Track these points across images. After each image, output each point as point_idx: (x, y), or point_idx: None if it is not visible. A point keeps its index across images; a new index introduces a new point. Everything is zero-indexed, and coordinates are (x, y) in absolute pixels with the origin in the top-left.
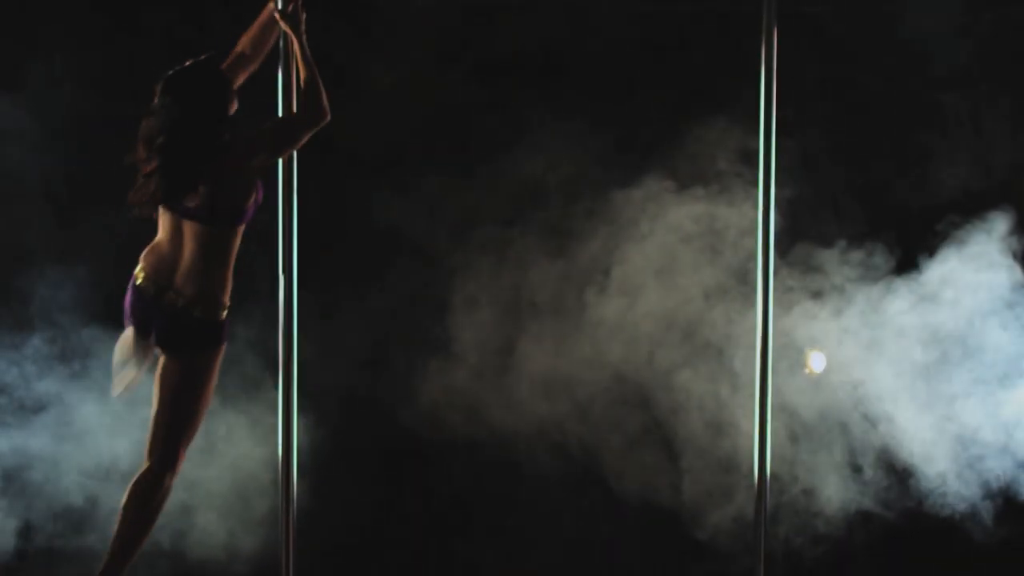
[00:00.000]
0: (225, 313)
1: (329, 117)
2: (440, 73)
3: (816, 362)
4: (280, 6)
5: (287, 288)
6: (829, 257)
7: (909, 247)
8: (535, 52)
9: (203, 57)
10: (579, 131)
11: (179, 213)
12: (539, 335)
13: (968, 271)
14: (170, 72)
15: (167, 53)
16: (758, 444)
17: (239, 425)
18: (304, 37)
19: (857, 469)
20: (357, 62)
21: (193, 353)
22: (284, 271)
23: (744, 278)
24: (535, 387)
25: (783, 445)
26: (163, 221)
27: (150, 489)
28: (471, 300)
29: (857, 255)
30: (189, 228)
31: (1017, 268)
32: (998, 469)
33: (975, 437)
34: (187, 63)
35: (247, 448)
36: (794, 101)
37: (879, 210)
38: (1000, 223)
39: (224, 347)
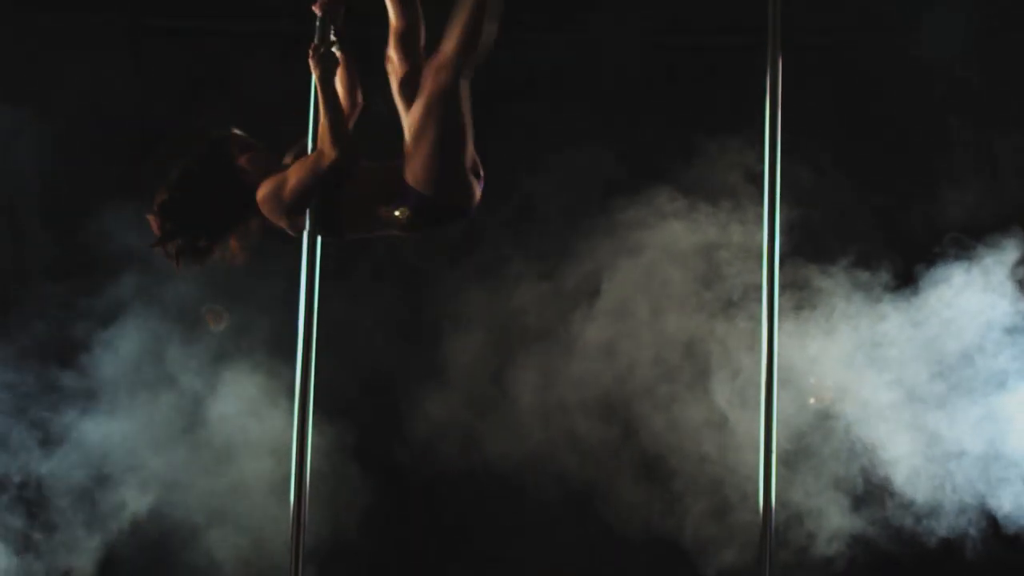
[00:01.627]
0: None
1: (341, 157)
2: None
3: (821, 391)
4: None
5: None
6: (831, 279)
7: (912, 271)
8: (542, 77)
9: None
10: (586, 154)
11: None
12: (530, 360)
13: (971, 295)
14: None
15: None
16: (763, 471)
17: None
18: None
19: (852, 494)
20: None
21: None
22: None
23: (751, 299)
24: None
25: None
26: None
27: None
28: (466, 323)
29: (859, 277)
30: None
31: (1019, 294)
32: (993, 494)
33: (972, 462)
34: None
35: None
36: (807, 126)
37: (885, 233)
38: (1007, 248)
39: None
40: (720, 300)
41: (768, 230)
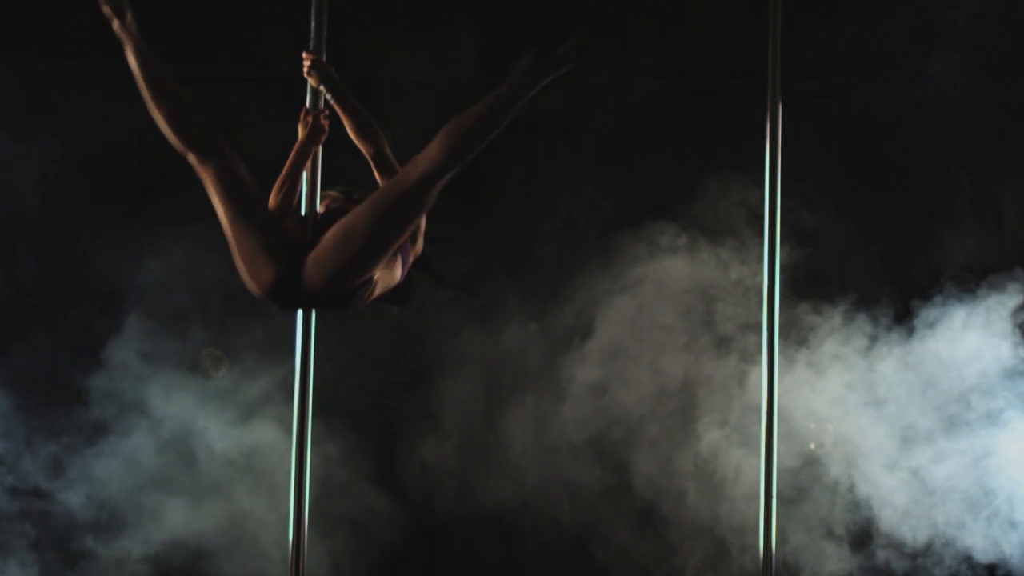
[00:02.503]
0: None
1: None
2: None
3: (820, 437)
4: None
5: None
6: (830, 321)
7: (912, 312)
8: (543, 119)
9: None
10: (586, 195)
11: None
12: (527, 402)
13: (971, 338)
14: None
15: None
16: (763, 517)
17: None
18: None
19: (847, 537)
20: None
21: None
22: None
23: (749, 338)
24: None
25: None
26: None
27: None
28: (461, 365)
29: (858, 319)
30: None
31: (1018, 338)
32: (988, 539)
33: (967, 504)
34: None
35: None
36: (808, 168)
37: (886, 275)
38: (1008, 291)
39: None
40: (717, 340)
41: (768, 276)
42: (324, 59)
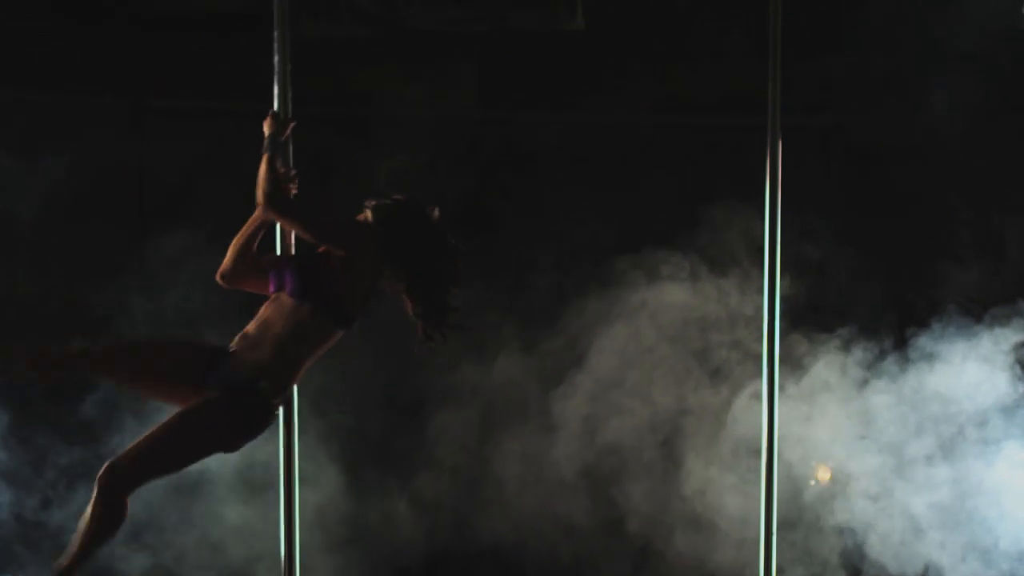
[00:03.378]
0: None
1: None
2: (450, 165)
3: (823, 472)
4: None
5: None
6: (829, 352)
7: (912, 344)
8: (547, 153)
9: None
10: (589, 223)
11: None
12: (525, 433)
13: (972, 370)
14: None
15: None
16: (763, 550)
17: None
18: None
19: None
20: (356, 160)
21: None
22: None
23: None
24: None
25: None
26: None
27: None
28: (455, 397)
29: (857, 350)
30: None
31: (1018, 371)
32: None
33: (964, 535)
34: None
35: None
36: (814, 205)
37: (885, 306)
38: (1010, 326)
39: None
40: (714, 371)
41: (768, 311)
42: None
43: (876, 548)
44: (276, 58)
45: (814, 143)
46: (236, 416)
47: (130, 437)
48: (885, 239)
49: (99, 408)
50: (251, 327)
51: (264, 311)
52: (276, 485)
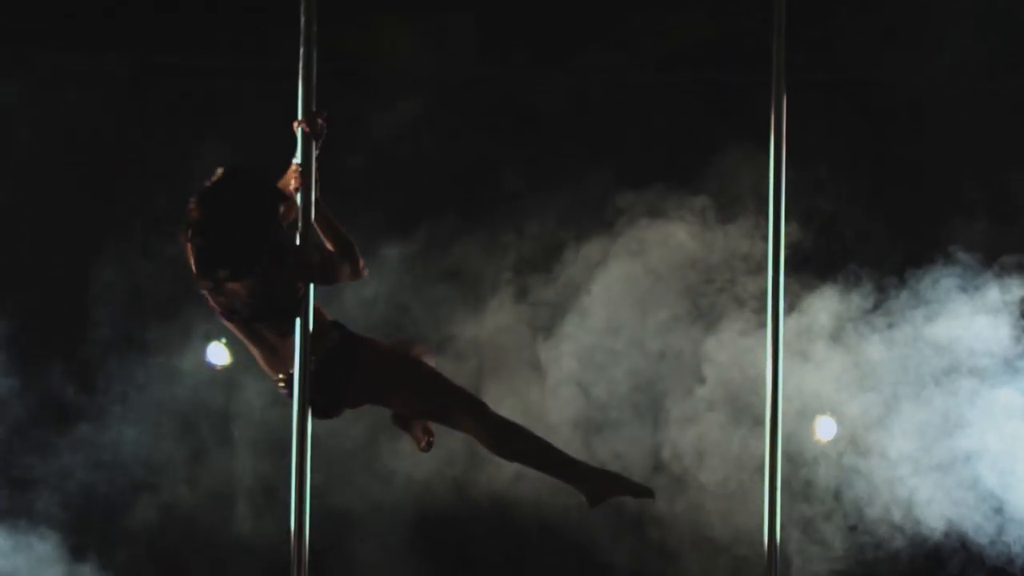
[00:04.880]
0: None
1: (366, 274)
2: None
3: (825, 428)
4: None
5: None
6: (833, 304)
7: (917, 296)
8: (550, 108)
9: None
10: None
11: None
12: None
13: (975, 321)
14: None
15: None
16: (767, 502)
17: None
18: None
19: (847, 523)
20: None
21: None
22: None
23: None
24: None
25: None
26: None
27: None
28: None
29: (858, 300)
30: None
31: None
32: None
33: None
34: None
35: None
36: (828, 160)
37: (890, 257)
38: (1016, 278)
39: None
40: (712, 313)
41: (773, 261)
42: (315, 55)
43: (873, 501)
44: (303, 19)
45: (822, 98)
46: None
47: None
48: (893, 191)
49: None
50: None
51: None
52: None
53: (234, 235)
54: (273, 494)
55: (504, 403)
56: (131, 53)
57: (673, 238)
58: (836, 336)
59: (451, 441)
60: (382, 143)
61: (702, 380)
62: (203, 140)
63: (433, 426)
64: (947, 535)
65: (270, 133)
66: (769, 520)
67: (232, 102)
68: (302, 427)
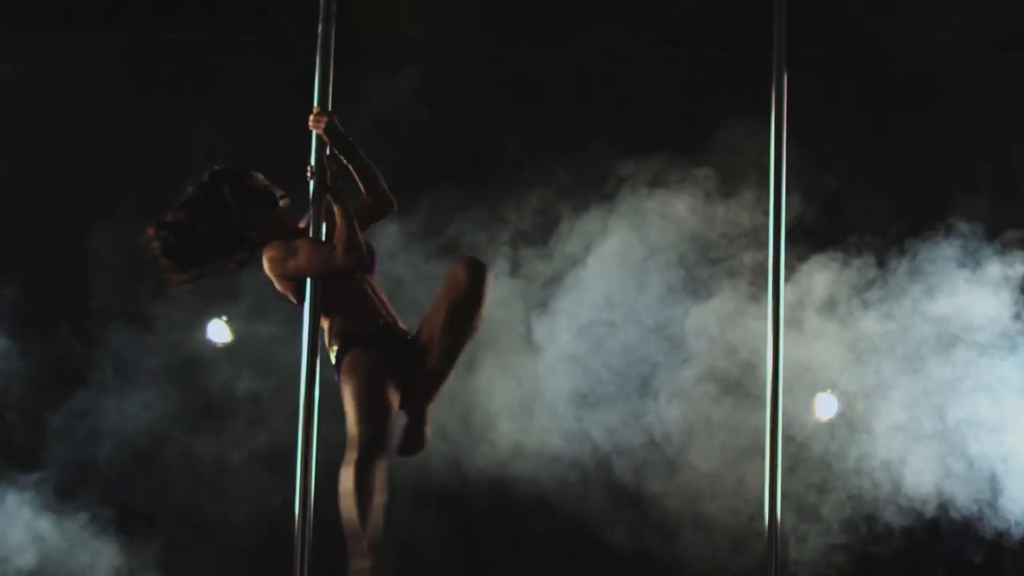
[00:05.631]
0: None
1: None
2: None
3: (825, 406)
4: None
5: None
6: (833, 277)
7: (917, 269)
8: (552, 84)
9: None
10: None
11: None
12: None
13: (975, 296)
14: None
15: None
16: (768, 476)
17: None
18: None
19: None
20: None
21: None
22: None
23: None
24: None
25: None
26: None
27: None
28: None
29: (860, 276)
30: None
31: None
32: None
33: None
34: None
35: None
36: (832, 135)
37: (892, 231)
38: (1017, 255)
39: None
40: (711, 286)
41: (774, 236)
42: (332, 44)
43: (869, 476)
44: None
45: (827, 73)
46: None
47: None
48: (896, 167)
49: None
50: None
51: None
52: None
53: (191, 230)
54: (274, 463)
55: (499, 378)
56: (132, 30)
57: (673, 210)
58: (836, 310)
59: (444, 416)
60: (381, 117)
61: (699, 354)
62: (204, 115)
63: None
64: (943, 509)
65: (271, 109)
66: (770, 496)
67: (233, 78)
68: (309, 405)
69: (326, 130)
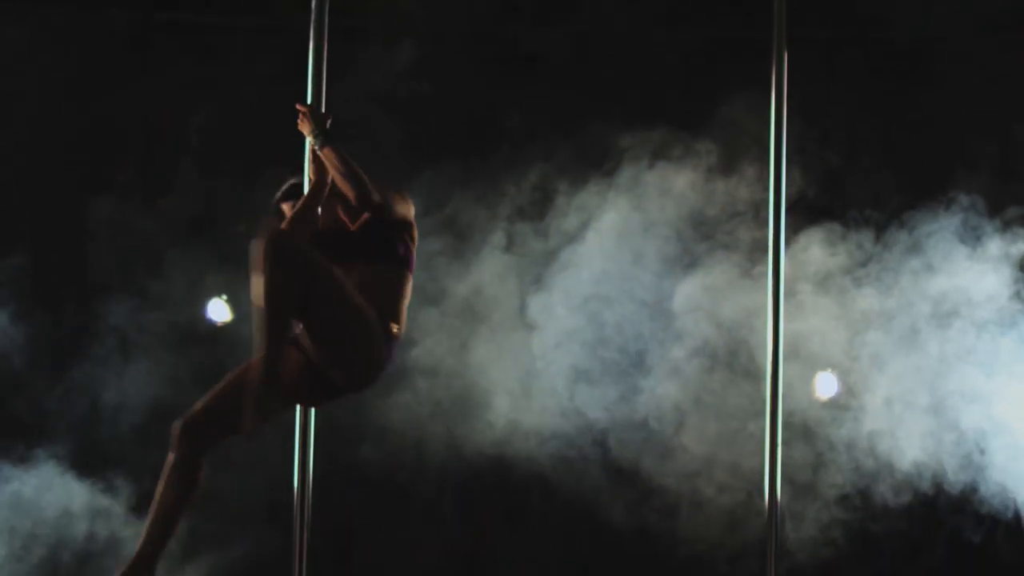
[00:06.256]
0: None
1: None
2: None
3: (825, 385)
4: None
5: None
6: (833, 252)
7: (917, 245)
8: (555, 58)
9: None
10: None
11: None
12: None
13: (975, 271)
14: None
15: None
16: (768, 453)
17: None
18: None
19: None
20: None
21: None
22: None
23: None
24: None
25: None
26: None
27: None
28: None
29: (858, 250)
30: None
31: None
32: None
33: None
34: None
35: None
36: (834, 113)
37: (892, 206)
38: (1017, 229)
39: None
40: (710, 261)
41: (774, 211)
42: (326, 26)
43: (866, 450)
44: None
45: (829, 51)
46: None
47: None
48: (898, 145)
49: None
50: None
51: None
52: None
53: None
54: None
55: (493, 353)
56: (132, 11)
57: (673, 185)
58: (836, 284)
59: (440, 394)
60: (381, 93)
61: (698, 331)
62: (203, 93)
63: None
64: (940, 486)
65: (270, 87)
66: (770, 472)
67: (232, 57)
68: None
69: (312, 132)
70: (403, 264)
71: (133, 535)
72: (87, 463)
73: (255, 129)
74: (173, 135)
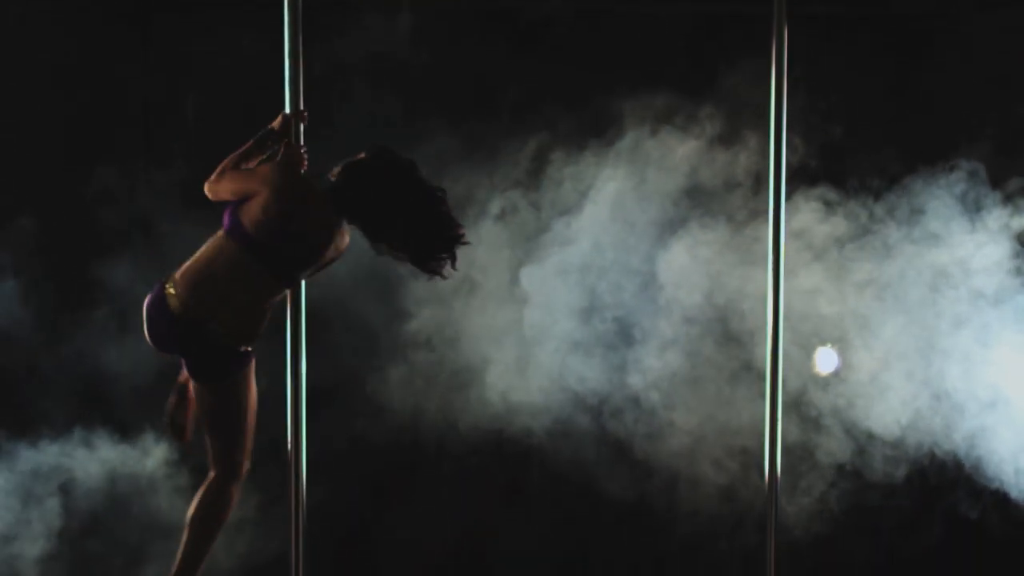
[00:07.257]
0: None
1: None
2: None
3: (826, 361)
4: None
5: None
6: (833, 225)
7: (918, 216)
8: (557, 32)
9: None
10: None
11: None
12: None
13: (975, 242)
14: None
15: None
16: (768, 427)
17: None
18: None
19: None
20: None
21: (225, 379)
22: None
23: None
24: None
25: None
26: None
27: (214, 499)
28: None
29: (857, 223)
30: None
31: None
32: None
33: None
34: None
35: None
36: (835, 89)
37: (893, 178)
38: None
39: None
40: (710, 232)
41: (774, 182)
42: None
43: (864, 423)
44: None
45: (832, 24)
46: None
47: None
48: (901, 117)
49: None
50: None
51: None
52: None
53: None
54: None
55: (485, 325)
56: None
57: (673, 151)
58: (836, 255)
59: (434, 370)
60: (379, 61)
61: (692, 301)
62: (197, 72)
63: None
64: (935, 458)
65: (266, 63)
66: (770, 446)
67: (225, 33)
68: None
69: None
70: (232, 235)
71: (138, 498)
72: (94, 427)
73: (253, 103)
74: (173, 108)
